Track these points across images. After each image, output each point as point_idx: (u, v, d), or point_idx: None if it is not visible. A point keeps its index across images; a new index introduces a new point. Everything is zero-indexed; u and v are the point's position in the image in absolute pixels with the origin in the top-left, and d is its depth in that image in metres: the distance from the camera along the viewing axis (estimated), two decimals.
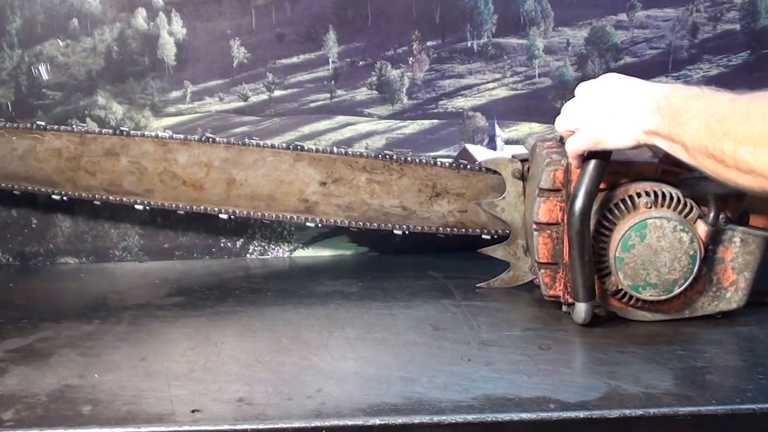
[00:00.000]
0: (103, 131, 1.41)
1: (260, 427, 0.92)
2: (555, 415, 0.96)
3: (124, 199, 1.42)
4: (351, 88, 1.62)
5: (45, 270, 1.57)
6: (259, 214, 1.42)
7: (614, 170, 1.19)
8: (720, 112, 0.95)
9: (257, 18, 1.58)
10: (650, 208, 1.17)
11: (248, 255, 1.62)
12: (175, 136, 1.40)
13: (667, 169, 1.19)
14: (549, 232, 1.23)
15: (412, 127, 1.63)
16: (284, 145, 1.41)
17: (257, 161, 1.40)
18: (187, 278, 1.48)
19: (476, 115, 1.63)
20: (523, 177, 1.37)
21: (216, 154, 1.40)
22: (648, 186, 1.18)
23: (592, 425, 0.96)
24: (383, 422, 0.93)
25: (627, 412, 0.97)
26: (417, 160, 1.42)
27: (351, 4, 1.59)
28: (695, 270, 1.17)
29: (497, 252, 1.41)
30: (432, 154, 1.62)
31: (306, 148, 1.41)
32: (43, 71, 1.54)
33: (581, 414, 0.96)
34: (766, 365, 1.11)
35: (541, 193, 1.23)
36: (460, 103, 1.63)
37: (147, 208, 1.42)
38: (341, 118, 1.62)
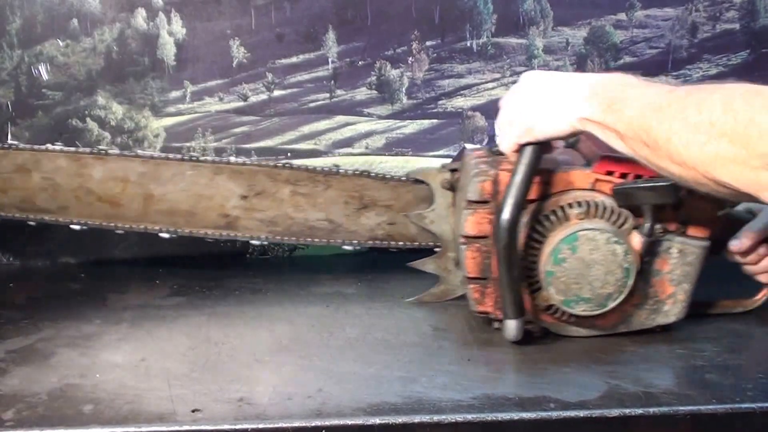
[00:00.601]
0: (13, 146, 1.34)
1: (260, 426, 0.92)
2: (555, 414, 0.96)
3: (36, 216, 1.36)
4: (350, 87, 1.62)
5: (45, 270, 1.57)
6: (176, 230, 1.37)
7: (545, 180, 1.14)
8: (656, 101, 0.94)
9: (257, 18, 1.58)
10: (582, 219, 1.12)
11: (248, 255, 1.62)
12: (91, 150, 1.35)
13: (600, 178, 1.13)
14: (477, 245, 1.16)
15: (412, 126, 1.63)
16: (203, 158, 1.36)
17: (176, 175, 1.34)
18: (187, 278, 1.47)
19: (476, 115, 1.63)
20: (452, 187, 1.31)
21: (132, 168, 1.34)
22: (580, 196, 1.13)
23: (592, 424, 0.96)
24: (383, 422, 0.93)
25: (627, 411, 0.97)
26: (343, 171, 1.37)
27: (351, 4, 1.59)
28: (630, 283, 1.12)
29: (427, 265, 1.35)
30: (432, 153, 1.62)
31: (225, 160, 1.36)
32: (43, 71, 1.54)
33: (581, 413, 0.96)
34: (766, 364, 1.11)
35: (468, 205, 1.16)
36: (460, 102, 1.63)
37: (85, 227, 1.38)
38: (341, 118, 1.63)
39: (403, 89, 1.62)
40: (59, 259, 1.59)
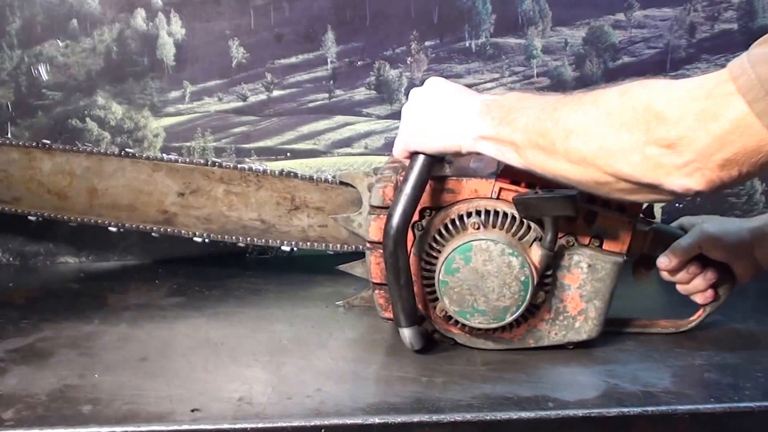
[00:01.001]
0: None
1: (260, 426, 0.92)
2: (553, 413, 0.96)
3: None
4: (349, 88, 1.62)
5: (45, 270, 1.57)
6: (121, 224, 1.40)
7: (448, 188, 1.11)
8: (552, 104, 0.94)
9: (256, 18, 1.58)
10: (478, 229, 1.08)
11: (247, 255, 1.62)
12: (37, 143, 1.38)
13: (505, 187, 1.10)
14: (381, 251, 1.10)
15: None
16: (142, 155, 1.39)
17: (117, 171, 1.37)
18: (187, 278, 1.48)
19: None
20: None
21: (78, 162, 1.38)
22: (482, 205, 1.09)
23: (591, 424, 0.96)
24: (382, 421, 0.93)
25: (625, 410, 0.97)
26: (274, 172, 1.37)
27: (349, 4, 1.59)
28: (528, 297, 1.07)
29: (356, 269, 1.32)
30: None
31: (162, 158, 1.38)
32: (43, 71, 1.54)
33: (580, 412, 0.96)
34: (764, 363, 1.11)
35: (372, 210, 1.14)
36: None
37: (38, 218, 1.41)
38: (340, 118, 1.63)
39: (402, 89, 1.62)
40: (59, 259, 1.59)
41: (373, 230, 1.14)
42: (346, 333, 1.22)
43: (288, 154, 1.63)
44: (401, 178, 1.09)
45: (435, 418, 0.94)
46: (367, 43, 1.61)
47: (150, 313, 1.29)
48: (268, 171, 1.38)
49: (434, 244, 1.11)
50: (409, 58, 1.62)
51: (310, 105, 1.62)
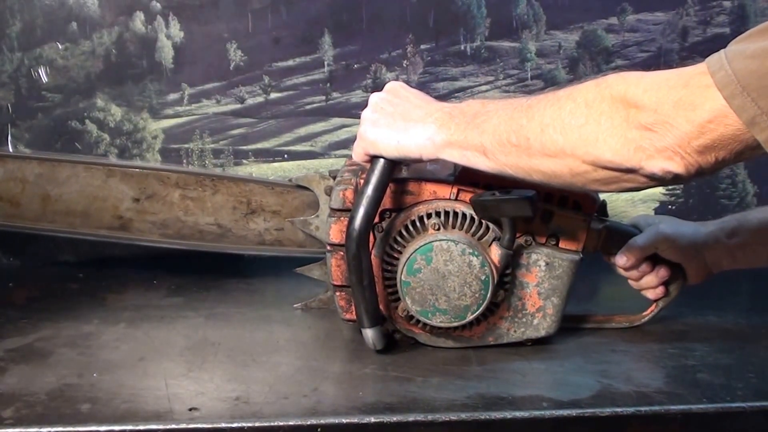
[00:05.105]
0: None
1: (257, 425, 0.92)
2: (548, 413, 0.96)
3: None
4: (346, 90, 1.63)
5: (44, 270, 1.58)
6: (75, 231, 1.38)
7: (408, 190, 1.13)
8: (524, 103, 0.95)
9: (254, 21, 1.59)
10: (438, 230, 1.09)
11: (245, 255, 1.62)
12: None
13: (463, 189, 1.12)
14: (341, 253, 1.12)
15: None
16: (96, 161, 1.37)
17: (70, 177, 1.35)
18: (185, 279, 1.48)
19: None
20: None
21: (30, 169, 1.35)
22: (441, 206, 1.11)
23: (585, 423, 0.97)
24: (378, 420, 0.94)
25: (619, 410, 0.97)
26: (230, 176, 1.38)
27: (346, 7, 1.60)
28: (488, 295, 1.08)
29: (313, 272, 1.33)
30: None
31: (116, 163, 1.37)
32: (43, 74, 1.55)
33: (574, 412, 0.97)
34: (756, 364, 1.12)
35: (332, 213, 1.15)
36: None
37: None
38: (336, 120, 1.64)
39: None
40: (58, 259, 1.60)
41: (334, 233, 1.14)
42: (342, 333, 1.23)
43: (285, 155, 1.64)
44: (361, 181, 1.10)
45: (430, 417, 0.94)
46: (363, 46, 1.62)
47: (148, 313, 1.30)
48: (225, 175, 1.37)
49: (395, 246, 1.11)
50: (405, 61, 1.62)
51: (307, 107, 1.63)
